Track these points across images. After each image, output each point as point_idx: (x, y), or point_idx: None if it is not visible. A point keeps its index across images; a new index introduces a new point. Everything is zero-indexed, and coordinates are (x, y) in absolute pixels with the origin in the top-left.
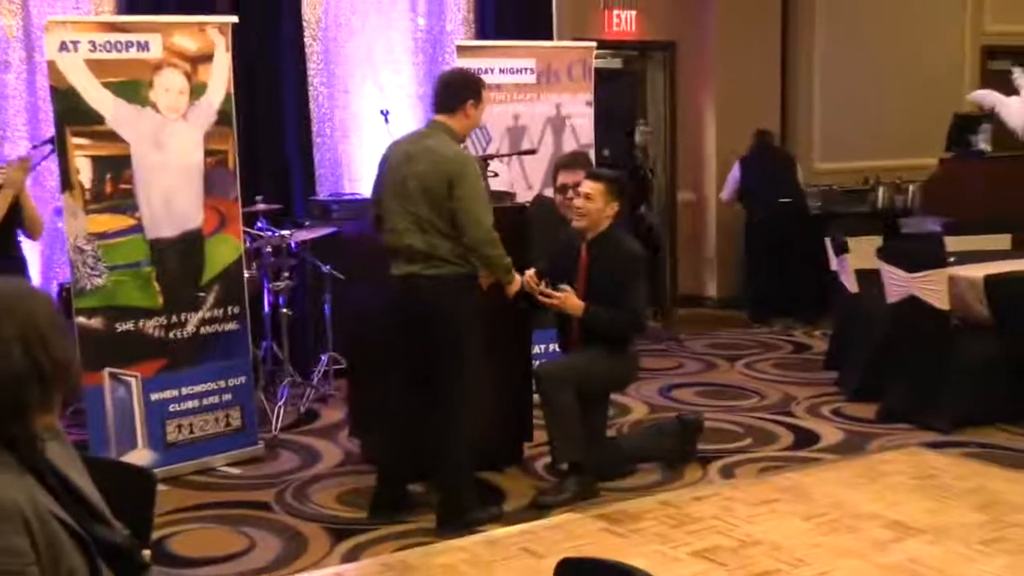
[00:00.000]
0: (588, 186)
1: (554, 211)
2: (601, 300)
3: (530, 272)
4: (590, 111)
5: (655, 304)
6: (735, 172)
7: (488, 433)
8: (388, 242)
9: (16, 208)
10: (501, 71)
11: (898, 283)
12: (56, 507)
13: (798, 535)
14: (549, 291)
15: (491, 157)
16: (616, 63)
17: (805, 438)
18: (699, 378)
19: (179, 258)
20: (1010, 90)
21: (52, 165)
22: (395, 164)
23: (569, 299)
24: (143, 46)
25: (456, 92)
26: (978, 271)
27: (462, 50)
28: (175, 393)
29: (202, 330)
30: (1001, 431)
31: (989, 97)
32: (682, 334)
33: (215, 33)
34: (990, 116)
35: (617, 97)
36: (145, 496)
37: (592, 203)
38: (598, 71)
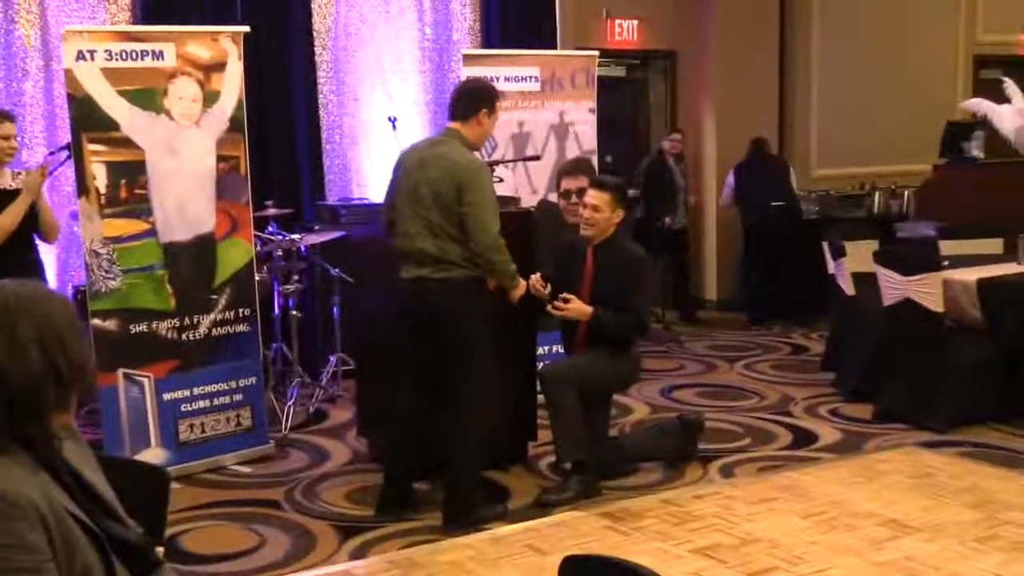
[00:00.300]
0: (594, 197)
1: (558, 216)
2: (606, 303)
3: (536, 276)
4: (593, 118)
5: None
6: (730, 178)
7: (493, 432)
8: (400, 246)
9: (33, 212)
10: (506, 79)
11: (894, 286)
12: (71, 504)
13: (797, 533)
14: (558, 303)
15: (496, 163)
16: (620, 71)
17: (803, 438)
18: (699, 379)
19: (192, 261)
20: (1001, 98)
21: (69, 171)
22: (408, 169)
23: (577, 306)
24: (158, 55)
25: (471, 101)
26: (971, 275)
27: (468, 59)
28: (187, 393)
29: (214, 332)
30: (994, 431)
31: (982, 105)
32: (683, 336)
33: (227, 42)
34: (983, 124)
35: (620, 105)
36: (159, 494)
37: (600, 213)
38: (601, 79)
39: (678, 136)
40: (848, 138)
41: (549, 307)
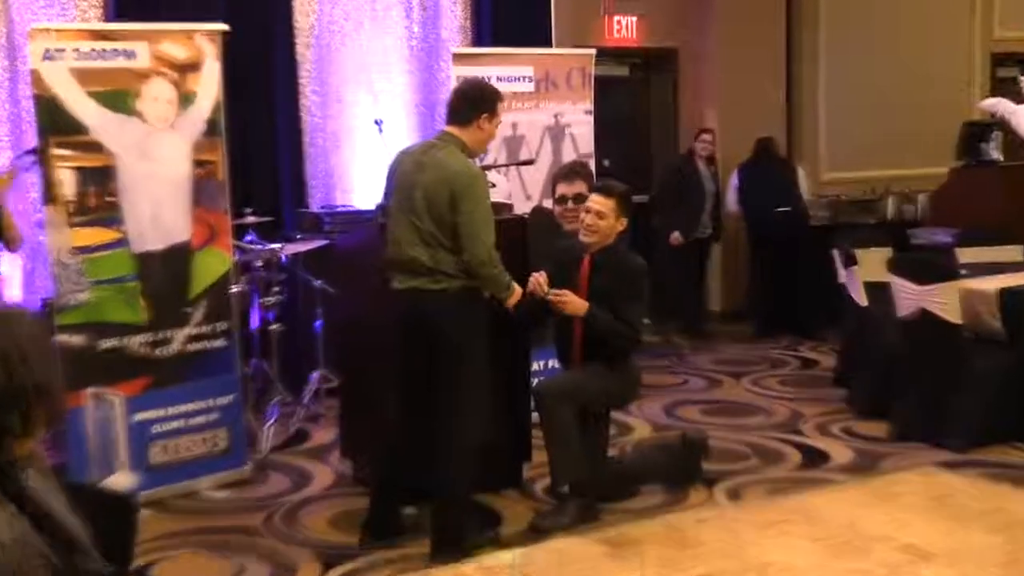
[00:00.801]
0: (599, 203)
1: (552, 222)
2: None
3: (539, 275)
4: (590, 120)
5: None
6: (734, 179)
7: (486, 453)
8: (391, 253)
9: None
10: (498, 79)
11: (908, 296)
12: (34, 538)
13: (807, 558)
14: (557, 292)
15: (489, 167)
16: (622, 71)
17: (814, 458)
18: (704, 395)
19: (166, 272)
20: (1019, 98)
21: (35, 177)
22: (404, 172)
23: (573, 299)
24: (130, 54)
25: (470, 104)
26: (991, 283)
27: (458, 58)
28: (160, 413)
29: (189, 347)
30: (1017, 449)
31: (1000, 105)
32: (686, 349)
33: (204, 41)
34: (1000, 124)
35: (620, 106)
36: (126, 523)
37: (604, 220)
38: (600, 79)
39: (708, 137)
40: (859, 140)
41: (550, 298)
